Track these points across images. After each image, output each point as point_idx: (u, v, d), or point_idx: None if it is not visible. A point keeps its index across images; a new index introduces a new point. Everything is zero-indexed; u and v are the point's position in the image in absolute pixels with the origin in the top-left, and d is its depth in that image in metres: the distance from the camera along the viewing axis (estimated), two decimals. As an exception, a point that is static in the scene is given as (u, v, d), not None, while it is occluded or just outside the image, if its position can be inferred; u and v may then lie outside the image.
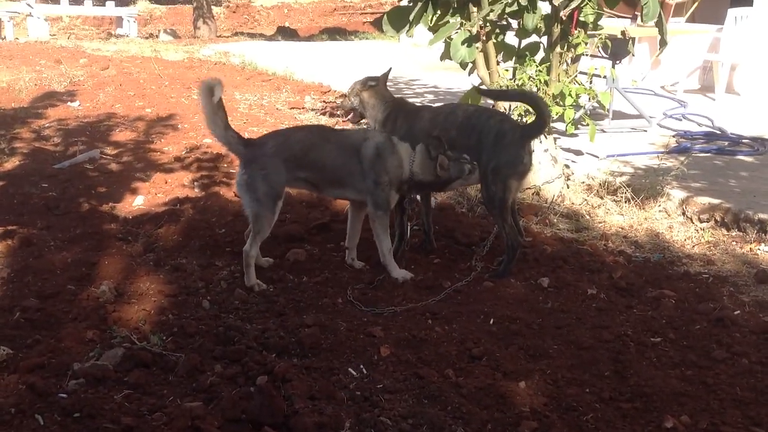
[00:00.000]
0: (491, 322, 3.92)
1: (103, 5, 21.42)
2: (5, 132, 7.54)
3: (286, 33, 20.50)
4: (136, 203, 5.64)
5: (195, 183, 6.06)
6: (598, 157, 6.92)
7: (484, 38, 5.80)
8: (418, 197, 4.96)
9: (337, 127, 8.11)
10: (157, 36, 19.30)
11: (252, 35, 20.27)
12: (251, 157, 4.29)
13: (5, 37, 16.92)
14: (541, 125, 4.44)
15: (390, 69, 5.00)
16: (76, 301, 3.94)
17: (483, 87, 5.89)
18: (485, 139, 4.40)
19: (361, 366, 3.44)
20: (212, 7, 21.23)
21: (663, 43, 6.00)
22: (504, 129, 4.38)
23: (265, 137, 4.59)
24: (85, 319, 3.74)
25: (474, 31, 5.70)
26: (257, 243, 4.29)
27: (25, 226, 4.98)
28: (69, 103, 9.13)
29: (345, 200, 4.85)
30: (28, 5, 18.17)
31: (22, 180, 6.04)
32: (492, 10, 5.56)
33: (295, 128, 4.99)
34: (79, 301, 3.93)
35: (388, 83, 4.90)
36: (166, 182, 6.10)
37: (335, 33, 20.18)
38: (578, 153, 7.07)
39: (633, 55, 8.79)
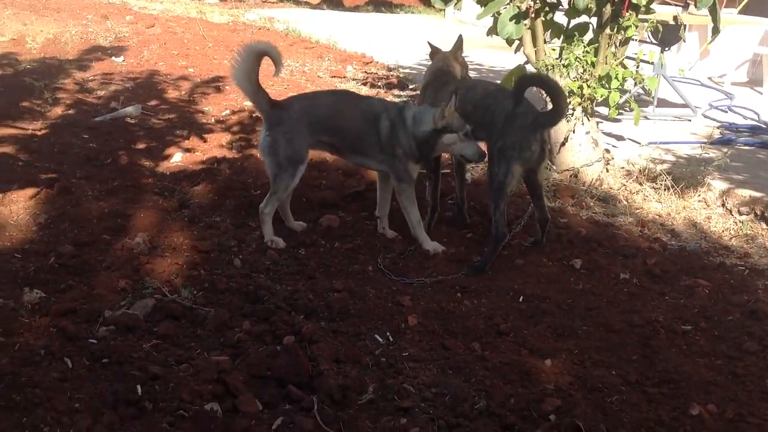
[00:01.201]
0: (521, 299, 3.91)
1: (152, -36, 21.49)
2: (50, 82, 7.60)
3: (332, 2, 20.40)
4: (174, 160, 5.67)
5: (233, 144, 6.08)
6: (639, 143, 6.83)
7: (532, 15, 5.71)
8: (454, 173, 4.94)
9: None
10: (203, -2, 19.30)
11: (298, 2, 20.19)
12: (276, 120, 4.29)
13: (54, -10, 17.04)
14: (555, 117, 4.31)
15: (461, 37, 4.97)
16: (110, 251, 3.99)
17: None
18: (497, 120, 4.32)
19: (388, 333, 3.45)
20: (260, -28, 21.17)
21: (715, 31, 5.87)
22: (516, 112, 4.29)
23: (291, 99, 4.57)
24: (118, 268, 3.79)
25: (523, 7, 5.62)
26: (273, 202, 4.33)
27: (64, 175, 5.04)
28: (113, 58, 9.19)
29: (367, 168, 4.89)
30: (79, -40, 18.27)
31: (64, 130, 6.10)
32: (543, -14, 5.48)
33: (321, 92, 4.95)
34: (114, 251, 3.98)
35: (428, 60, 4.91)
36: (205, 141, 6.13)
37: (381, 5, 20.04)
38: (620, 138, 6.98)
39: (683, 42, 8.63)
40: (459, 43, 4.84)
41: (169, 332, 3.23)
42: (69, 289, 3.54)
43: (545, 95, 5.70)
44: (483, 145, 4.44)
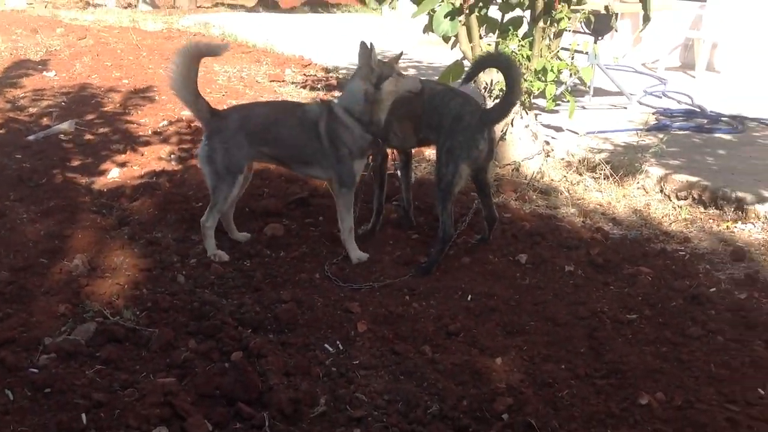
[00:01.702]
0: (468, 298, 3.91)
1: (81, -26, 21.10)
2: (-22, 102, 7.41)
3: (268, 5, 20.28)
4: (111, 176, 5.56)
5: (172, 156, 5.99)
6: (578, 133, 6.91)
7: (467, 11, 5.73)
8: (398, 172, 4.92)
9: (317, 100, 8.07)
10: (135, 6, 19.03)
11: (233, 6, 20.04)
12: (215, 129, 4.21)
13: (-20, 6, 16.64)
14: (504, 109, 4.30)
15: (401, 53, 4.85)
16: (48, 275, 3.89)
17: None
18: (445, 120, 4.32)
19: (338, 342, 3.43)
20: (192, -23, 20.93)
21: (646, 18, 5.96)
22: (462, 112, 4.29)
23: (230, 110, 4.50)
24: (57, 293, 3.70)
25: (457, 3, 5.64)
26: (214, 215, 4.26)
27: (-3, 198, 4.91)
28: (45, 73, 8.99)
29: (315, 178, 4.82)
30: (4, -27, 17.87)
31: (-5, 151, 5.95)
32: (474, -17, 5.51)
33: (259, 103, 4.88)
34: (52, 275, 3.88)
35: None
36: (142, 155, 6.03)
37: (317, 5, 19.98)
38: (558, 129, 7.05)
39: (616, 31, 8.76)
40: (397, 57, 4.68)
41: (113, 356, 3.16)
42: (7, 318, 3.43)
43: (486, 86, 5.74)
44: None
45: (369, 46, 4.15)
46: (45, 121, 6.92)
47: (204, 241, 4.27)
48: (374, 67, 4.15)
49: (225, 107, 7.08)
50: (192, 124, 6.78)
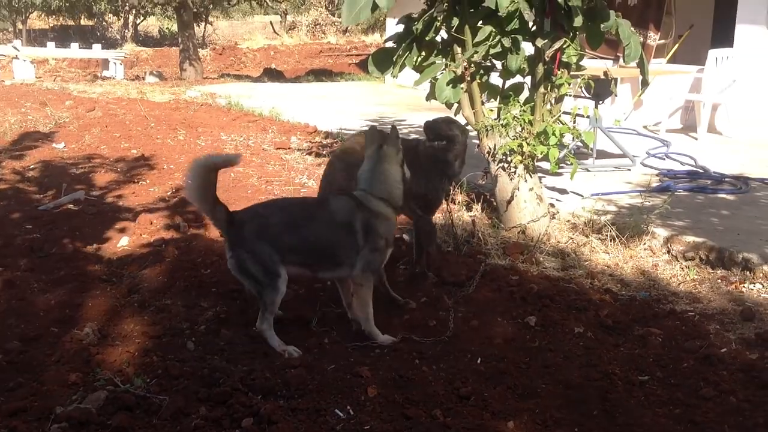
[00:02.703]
0: (479, 361, 3.90)
1: (90, 48, 21.57)
2: (-11, 173, 7.52)
3: (272, 74, 20.68)
4: (120, 244, 5.61)
5: (180, 223, 6.04)
6: (582, 195, 6.96)
7: (468, 79, 5.84)
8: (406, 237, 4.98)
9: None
10: (143, 78, 19.41)
11: (238, 77, 20.41)
12: (235, 240, 4.03)
13: (-9, 80, 16.97)
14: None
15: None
16: (59, 344, 3.89)
17: None
18: None
19: (348, 407, 3.41)
20: (198, 49, 21.40)
21: (645, 83, 6.07)
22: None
23: (247, 216, 4.16)
24: (68, 361, 3.69)
25: (459, 71, 5.75)
26: (268, 318, 4.01)
27: (8, 268, 4.94)
28: (54, 145, 9.13)
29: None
30: (14, 48, 18.30)
31: (6, 222, 6.01)
32: (476, 52, 5.62)
33: (276, 203, 4.58)
34: (63, 344, 3.89)
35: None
36: (151, 223, 6.08)
37: (321, 74, 20.35)
38: (563, 192, 7.11)
39: (616, 96, 8.90)
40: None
41: (124, 424, 3.15)
42: (18, 387, 3.43)
43: (490, 151, 5.83)
44: None
45: (396, 130, 4.12)
46: (55, 191, 7.00)
47: (268, 342, 4.01)
48: (401, 149, 4.15)
49: (233, 175, 7.18)
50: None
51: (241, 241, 4.02)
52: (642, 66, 5.90)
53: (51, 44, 21.62)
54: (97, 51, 21.15)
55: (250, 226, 4.04)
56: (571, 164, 6.28)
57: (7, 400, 3.30)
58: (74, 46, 21.32)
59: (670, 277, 5.28)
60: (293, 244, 4.04)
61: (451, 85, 5.82)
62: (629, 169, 8.28)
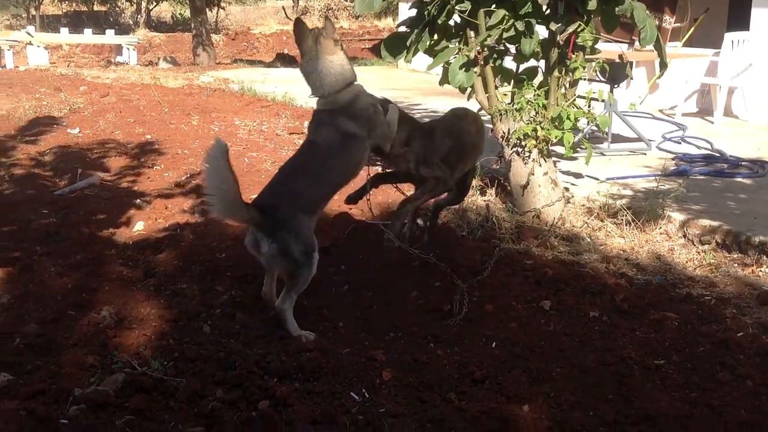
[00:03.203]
0: (493, 345, 3.90)
1: (103, 33, 21.60)
2: (5, 159, 7.55)
3: (285, 59, 20.63)
4: (136, 229, 5.64)
5: (195, 208, 6.06)
6: (597, 179, 6.94)
7: (481, 63, 5.82)
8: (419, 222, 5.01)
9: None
10: (156, 63, 19.44)
11: (251, 62, 20.39)
12: (274, 224, 3.90)
13: (5, 66, 17.05)
14: None
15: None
16: (76, 327, 3.92)
17: None
18: None
19: (363, 390, 3.42)
20: (211, 34, 21.38)
21: (663, 65, 6.02)
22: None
23: (269, 200, 4.06)
24: (85, 344, 3.72)
25: (472, 55, 5.73)
26: (293, 297, 3.97)
27: (25, 253, 4.97)
28: (69, 130, 9.16)
29: None
30: (28, 33, 18.35)
31: (22, 206, 6.04)
32: (489, 35, 5.59)
33: (289, 172, 4.26)
34: (80, 327, 3.91)
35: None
36: (166, 208, 6.11)
37: (334, 59, 20.27)
38: (578, 176, 7.08)
39: (631, 79, 8.85)
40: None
41: (141, 406, 3.17)
42: (36, 370, 3.46)
43: (504, 135, 5.81)
44: None
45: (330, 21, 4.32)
46: (70, 176, 7.03)
47: (285, 325, 3.98)
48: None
49: (246, 159, 7.19)
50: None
51: (280, 222, 3.91)
52: (659, 48, 5.85)
53: (64, 30, 21.65)
54: (110, 37, 21.17)
55: (285, 206, 3.97)
56: (586, 149, 6.26)
57: (25, 383, 3.32)
58: (87, 31, 21.34)
59: (686, 261, 5.26)
60: (324, 192, 4.13)
61: (464, 69, 5.79)
62: (645, 153, 8.25)
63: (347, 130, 4.16)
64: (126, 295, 4.33)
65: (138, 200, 6.32)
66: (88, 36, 21.11)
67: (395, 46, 5.97)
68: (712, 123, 10.25)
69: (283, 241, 3.89)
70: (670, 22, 11.44)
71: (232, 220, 4.14)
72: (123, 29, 26.60)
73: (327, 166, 4.18)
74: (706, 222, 5.64)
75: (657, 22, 10.89)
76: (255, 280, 4.57)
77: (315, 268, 4.01)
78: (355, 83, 4.32)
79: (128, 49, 19.83)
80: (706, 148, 8.46)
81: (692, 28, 11.70)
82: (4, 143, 8.35)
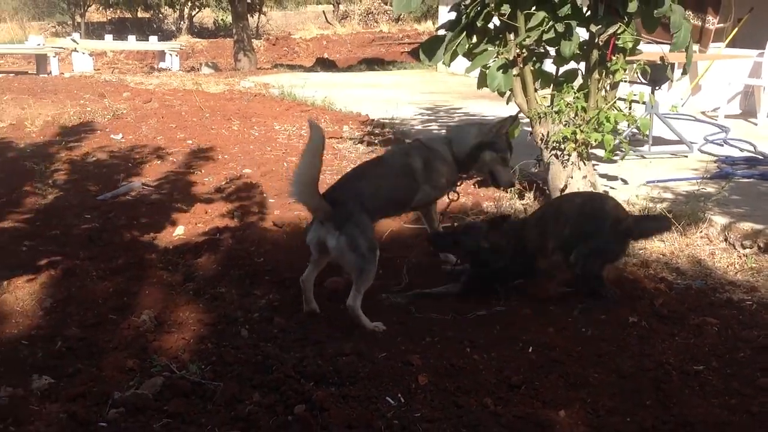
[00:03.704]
0: (530, 349, 3.88)
1: (147, 40, 21.91)
2: (49, 164, 7.70)
3: (325, 64, 20.74)
4: (176, 233, 5.71)
5: (234, 213, 6.12)
6: (638, 183, 6.86)
7: (520, 65, 5.80)
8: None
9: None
10: (198, 69, 19.64)
11: (291, 67, 20.52)
12: (342, 216, 4.12)
13: (51, 72, 17.36)
14: None
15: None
16: (117, 331, 3.99)
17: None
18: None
19: (399, 394, 3.43)
20: (252, 39, 21.56)
21: (684, 71, 6.02)
22: None
23: (339, 194, 4.31)
24: (125, 348, 3.79)
25: (510, 57, 5.71)
26: (361, 295, 4.14)
27: (67, 257, 5.07)
28: (112, 136, 9.30)
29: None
30: (73, 40, 18.69)
31: (65, 211, 6.16)
32: (528, 36, 5.57)
33: (359, 174, 4.62)
34: (120, 331, 3.98)
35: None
36: (206, 212, 6.17)
37: (373, 63, 20.36)
38: (617, 179, 7.01)
39: (672, 81, 8.73)
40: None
41: (180, 410, 3.22)
42: (77, 373, 3.53)
43: (543, 138, 5.77)
44: None
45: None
46: (113, 181, 7.15)
47: (359, 322, 4.14)
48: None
49: (286, 164, 7.25)
50: (252, 182, 6.95)
51: (349, 215, 4.13)
52: (688, 54, 5.78)
53: (108, 37, 22.01)
54: (153, 43, 21.46)
55: (352, 202, 4.20)
56: (625, 152, 6.19)
57: (67, 386, 3.39)
58: (131, 38, 21.67)
59: (727, 266, 5.18)
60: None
61: (502, 72, 5.78)
62: (686, 156, 8.13)
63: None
64: (166, 299, 4.40)
65: (179, 205, 6.39)
66: (131, 42, 21.44)
67: (434, 49, 5.98)
68: (756, 125, 10.08)
69: (351, 235, 4.10)
70: (713, 22, 11.28)
71: (304, 204, 4.27)
72: (166, 35, 26.96)
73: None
74: (748, 225, 5.54)
75: (700, 23, 10.80)
76: (293, 285, 4.60)
77: (376, 265, 4.18)
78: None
79: (171, 55, 20.09)
80: (749, 151, 8.32)
81: (736, 29, 11.51)
82: (48, 148, 8.51)
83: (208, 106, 11.42)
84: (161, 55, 20.52)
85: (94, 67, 18.42)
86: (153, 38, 22.22)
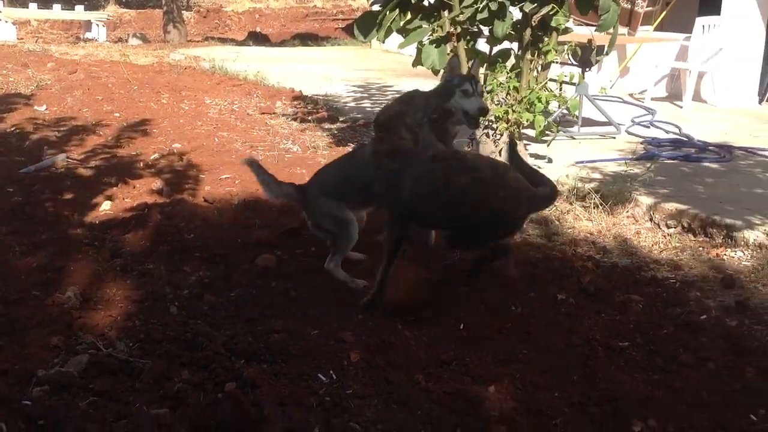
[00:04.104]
0: (461, 327, 3.92)
1: (72, 9, 21.26)
2: (-30, 136, 7.43)
3: (258, 38, 20.44)
4: (103, 208, 5.57)
5: (163, 189, 6.00)
6: (566, 163, 6.96)
7: (454, 42, 5.80)
8: None
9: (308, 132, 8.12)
10: (126, 40, 19.13)
11: (223, 40, 20.16)
12: (305, 203, 4.58)
13: (-29, 41, 16.71)
14: None
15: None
16: (41, 307, 3.87)
17: None
18: None
19: (331, 371, 3.41)
20: (182, 11, 21.12)
21: (607, 51, 6.15)
22: None
23: (311, 181, 4.74)
24: (50, 325, 3.68)
25: (444, 31, 5.70)
26: (338, 260, 4.45)
27: (-11, 231, 4.91)
28: (36, 107, 9.02)
29: None
30: (-5, 8, 18.00)
31: (-13, 184, 5.95)
32: (462, 12, 5.57)
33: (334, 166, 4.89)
34: (45, 307, 3.86)
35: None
36: (134, 187, 6.04)
37: (307, 38, 20.14)
38: (547, 159, 7.10)
39: (599, 63, 8.87)
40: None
41: (106, 388, 3.14)
42: (0, 350, 3.43)
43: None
44: None
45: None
46: (36, 154, 6.93)
47: (337, 278, 4.42)
48: None
49: (217, 139, 7.15)
50: (183, 157, 6.82)
51: (309, 201, 4.54)
52: (612, 36, 5.89)
53: (33, 5, 21.25)
54: (79, 12, 20.83)
55: (313, 186, 4.60)
56: (555, 132, 6.28)
57: (-12, 363, 3.29)
58: (56, 7, 20.97)
59: (653, 245, 5.31)
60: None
61: (437, 48, 5.77)
62: (614, 137, 8.29)
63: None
64: (92, 275, 4.29)
65: (106, 179, 6.23)
66: (56, 11, 20.75)
67: (368, 25, 5.95)
68: (681, 107, 10.33)
69: (314, 217, 4.54)
70: (642, 6, 11.48)
71: (272, 197, 4.71)
72: (93, 5, 26.15)
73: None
74: (672, 206, 5.69)
75: (629, 6, 10.98)
76: (223, 261, 4.56)
77: (354, 236, 4.44)
78: None
79: (97, 25, 19.53)
80: (674, 133, 8.53)
81: (664, 12, 11.75)
82: (-32, 120, 8.22)
83: (137, 79, 11.15)
84: (87, 24, 19.92)
85: (17, 36, 17.81)
86: (79, 7, 21.54)
